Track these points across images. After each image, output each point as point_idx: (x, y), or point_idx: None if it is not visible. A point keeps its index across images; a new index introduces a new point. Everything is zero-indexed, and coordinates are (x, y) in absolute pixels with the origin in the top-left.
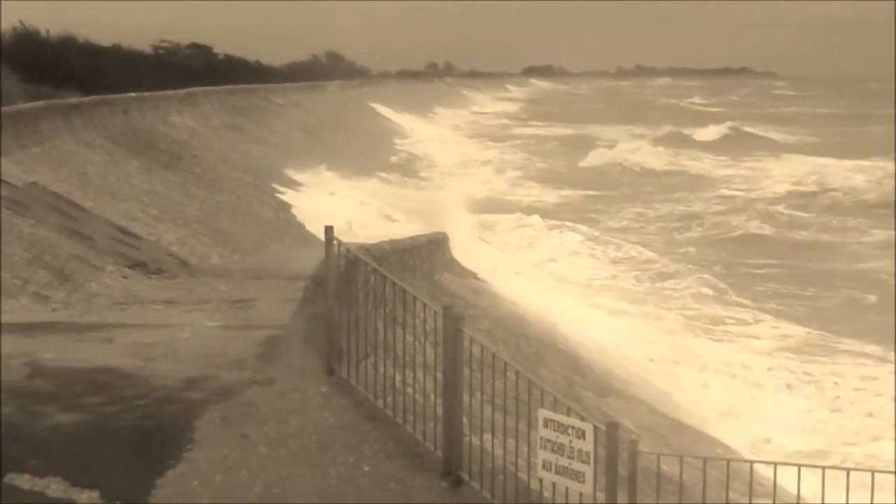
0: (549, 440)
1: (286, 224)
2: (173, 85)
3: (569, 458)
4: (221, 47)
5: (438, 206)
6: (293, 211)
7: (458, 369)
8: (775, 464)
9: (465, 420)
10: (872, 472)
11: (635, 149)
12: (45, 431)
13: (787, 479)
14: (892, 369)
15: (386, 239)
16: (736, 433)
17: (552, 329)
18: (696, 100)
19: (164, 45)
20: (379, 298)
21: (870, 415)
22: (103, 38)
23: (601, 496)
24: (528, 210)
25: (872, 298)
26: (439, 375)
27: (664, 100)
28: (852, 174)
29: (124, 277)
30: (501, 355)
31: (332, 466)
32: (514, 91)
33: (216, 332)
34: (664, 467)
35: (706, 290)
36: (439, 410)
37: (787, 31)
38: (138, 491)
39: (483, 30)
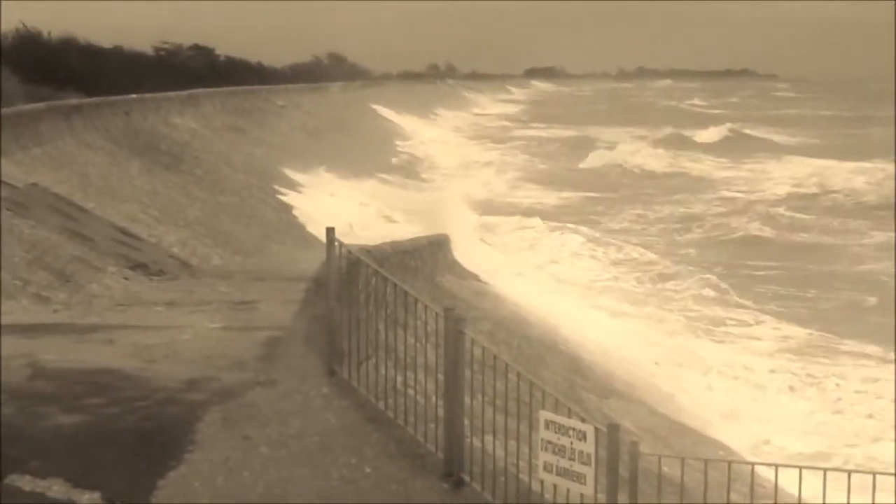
0: (550, 442)
1: (287, 225)
2: (175, 86)
3: (570, 459)
4: (223, 49)
5: (440, 208)
6: (294, 212)
7: (460, 371)
8: (776, 465)
9: (466, 421)
10: (874, 474)
11: (635, 150)
12: (47, 433)
13: (788, 481)
14: (893, 370)
15: (387, 240)
16: (737, 435)
17: (553, 331)
18: (697, 101)
19: (166, 46)
20: (380, 300)
21: (870, 416)
22: (104, 40)
23: (602, 498)
24: (529, 212)
25: (872, 300)
26: (440, 377)
27: (665, 102)
28: (853, 176)
29: (125, 279)
30: (503, 357)
31: (333, 468)
32: (516, 93)
33: (217, 333)
34: (665, 469)
35: (707, 292)
36: (440, 412)
37: (789, 33)
38: (139, 492)
39: (485, 31)
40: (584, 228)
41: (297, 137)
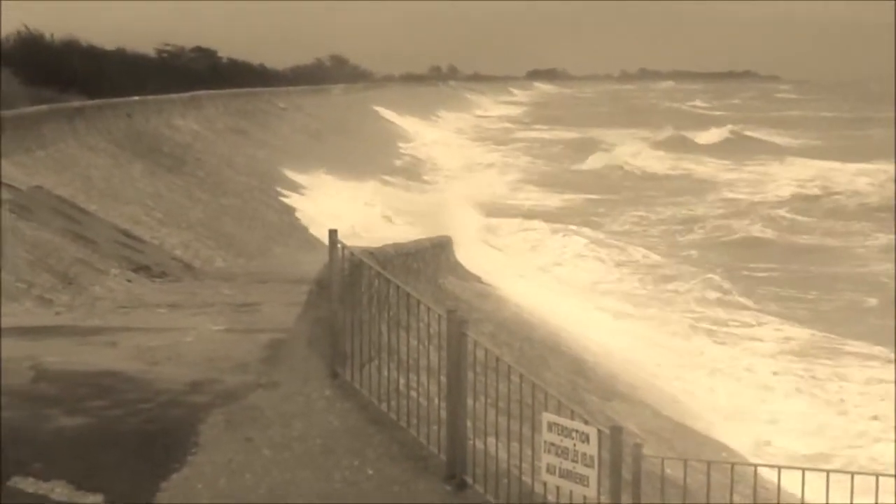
0: (553, 444)
1: (290, 227)
2: (177, 88)
3: (573, 461)
4: (225, 51)
5: (442, 210)
6: (297, 214)
7: (462, 373)
8: (779, 467)
9: (468, 423)
10: (877, 476)
11: (637, 152)
12: (50, 435)
13: (791, 483)
14: (894, 371)
15: (390, 242)
16: (740, 436)
17: (556, 332)
18: (699, 103)
19: (168, 48)
20: (383, 302)
21: (875, 418)
22: (107, 42)
23: (605, 500)
24: (531, 213)
25: (873, 301)
26: (443, 379)
27: (667, 103)
28: (855, 178)
29: (128, 281)
30: (505, 359)
31: (336, 470)
32: (518, 94)
33: (220, 335)
34: (668, 471)
35: (710, 294)
36: (443, 414)
37: (792, 35)
38: (142, 494)
39: (487, 33)
40: (586, 230)
41: (299, 139)
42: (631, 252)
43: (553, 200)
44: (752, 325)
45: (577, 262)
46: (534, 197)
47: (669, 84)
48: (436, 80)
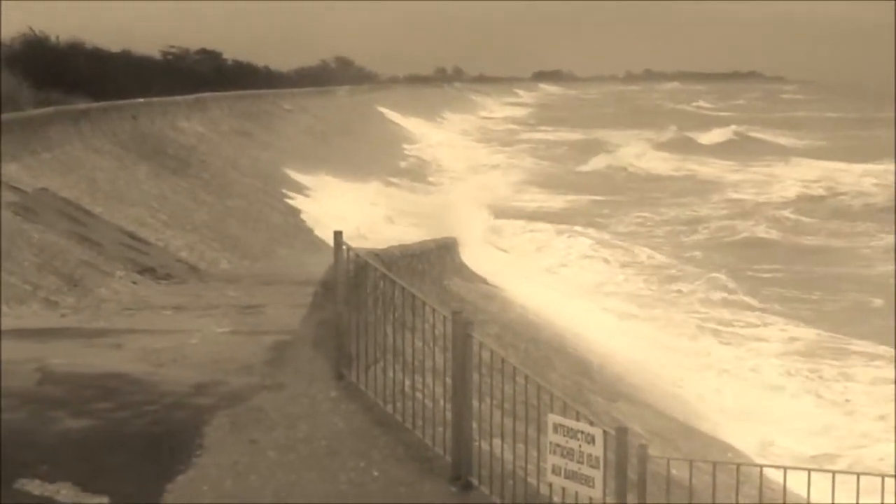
0: (558, 445)
1: (295, 229)
2: (182, 90)
3: (578, 462)
4: (230, 53)
5: (448, 211)
6: (302, 216)
7: (468, 374)
8: (785, 468)
9: (474, 425)
10: (883, 477)
11: (641, 153)
12: (55, 437)
13: (796, 484)
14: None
15: (395, 244)
16: (746, 436)
17: (561, 334)
18: (703, 104)
19: (173, 50)
20: (388, 303)
21: (881, 418)
22: (112, 44)
23: (611, 500)
24: (536, 215)
25: (879, 302)
26: (448, 380)
27: (672, 104)
28: (861, 178)
29: (133, 283)
30: (510, 360)
31: (341, 471)
32: (523, 96)
33: (225, 337)
34: (674, 472)
35: (715, 295)
36: (448, 415)
37: (798, 36)
38: (148, 496)
39: (492, 35)
40: (591, 231)
41: (304, 141)
42: (636, 253)
43: (558, 202)
44: (757, 326)
45: (583, 263)
46: (538, 198)
47: (674, 85)
48: (441, 81)
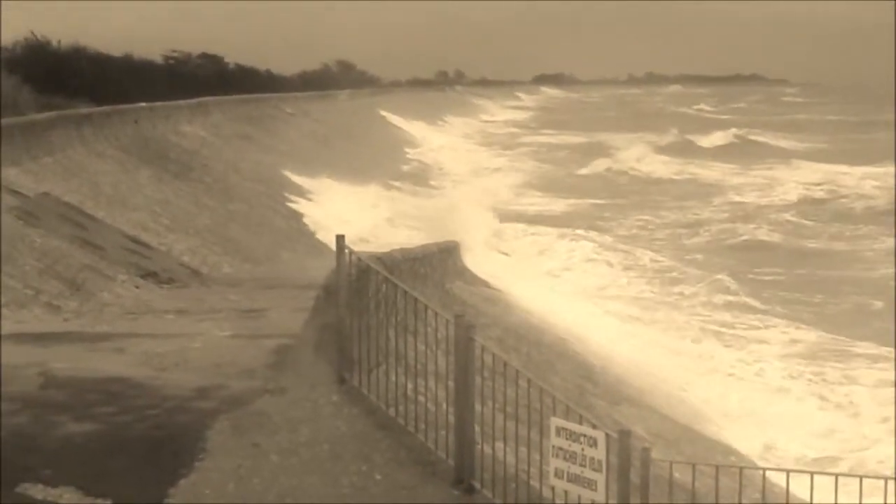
0: (561, 448)
1: (297, 233)
2: (184, 94)
3: (581, 466)
4: (232, 56)
5: (450, 215)
6: (304, 220)
7: (470, 378)
8: (788, 471)
9: (476, 428)
10: (886, 480)
11: (642, 157)
12: (58, 441)
13: (799, 487)
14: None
15: (397, 247)
16: (749, 439)
17: (563, 337)
18: (705, 107)
19: (175, 54)
20: (390, 307)
21: (884, 420)
22: (114, 48)
23: None
24: (538, 218)
25: (879, 304)
26: (451, 384)
27: (674, 107)
28: (862, 181)
29: (136, 287)
30: (513, 363)
31: (343, 475)
32: (525, 99)
33: (227, 341)
34: (677, 475)
35: (718, 298)
36: (451, 419)
37: (801, 38)
38: (150, 500)
39: (494, 38)
40: (593, 234)
41: (306, 145)
42: (638, 256)
43: (559, 205)
44: (759, 328)
45: (585, 266)
46: (540, 201)
47: (676, 88)
48: (443, 85)
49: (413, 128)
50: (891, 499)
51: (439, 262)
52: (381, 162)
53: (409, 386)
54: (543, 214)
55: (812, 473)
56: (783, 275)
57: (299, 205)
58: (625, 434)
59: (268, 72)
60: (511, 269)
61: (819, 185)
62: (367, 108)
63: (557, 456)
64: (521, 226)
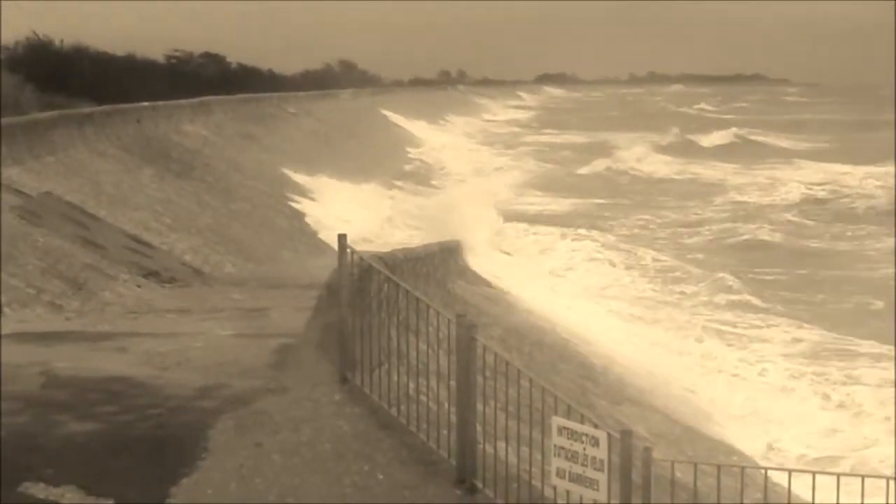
0: (562, 448)
1: (299, 233)
2: (186, 94)
3: (583, 465)
4: (234, 56)
5: (452, 214)
6: (306, 219)
7: (472, 377)
8: (789, 471)
9: (478, 428)
10: (888, 479)
11: (644, 156)
12: (60, 440)
13: (801, 486)
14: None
15: (399, 247)
16: (750, 439)
17: (565, 336)
18: (706, 106)
19: (177, 54)
20: (392, 307)
21: (886, 419)
22: (116, 48)
23: (615, 503)
24: (540, 218)
25: (880, 304)
26: (453, 383)
27: (675, 107)
28: (864, 181)
29: (138, 286)
30: (515, 363)
31: (345, 475)
32: (527, 99)
33: (229, 340)
34: (678, 475)
35: (719, 297)
36: (453, 418)
37: (803, 38)
38: (152, 499)
39: (496, 38)
40: (595, 233)
41: (308, 144)
42: (640, 255)
43: (561, 204)
44: (760, 328)
45: (587, 265)
46: (542, 201)
47: (678, 87)
48: (445, 84)
49: (415, 127)
50: (892, 498)
51: (441, 261)
52: (383, 161)
53: (411, 385)
54: (545, 214)
55: (814, 473)
56: (785, 274)
57: (301, 204)
58: (627, 434)
59: (270, 71)
60: (513, 269)
61: (821, 184)
62: (369, 108)
63: (559, 455)
64: (522, 225)
